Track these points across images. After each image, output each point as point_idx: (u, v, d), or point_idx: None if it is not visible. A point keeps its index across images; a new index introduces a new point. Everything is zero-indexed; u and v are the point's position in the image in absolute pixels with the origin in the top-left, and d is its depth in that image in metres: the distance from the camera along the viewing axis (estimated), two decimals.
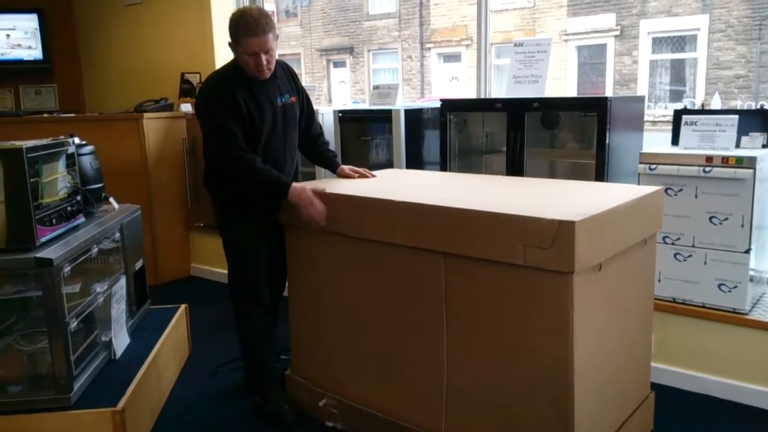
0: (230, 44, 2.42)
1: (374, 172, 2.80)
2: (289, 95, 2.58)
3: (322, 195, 2.35)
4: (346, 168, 2.74)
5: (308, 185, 2.42)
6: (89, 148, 2.83)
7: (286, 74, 2.62)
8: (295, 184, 2.39)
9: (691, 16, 13.16)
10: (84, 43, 5.65)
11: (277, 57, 2.49)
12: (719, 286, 2.64)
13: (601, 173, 2.83)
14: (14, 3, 5.39)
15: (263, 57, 2.36)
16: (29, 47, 5.41)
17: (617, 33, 14.12)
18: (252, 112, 2.43)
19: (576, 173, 3.14)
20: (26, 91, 5.57)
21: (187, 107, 4.67)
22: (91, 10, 5.51)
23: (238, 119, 2.40)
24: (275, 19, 2.52)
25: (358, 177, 2.70)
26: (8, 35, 5.33)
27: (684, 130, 2.79)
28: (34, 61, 5.45)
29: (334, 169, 2.79)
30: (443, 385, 2.12)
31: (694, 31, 13.21)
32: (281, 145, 2.57)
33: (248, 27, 2.31)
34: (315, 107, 2.85)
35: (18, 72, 5.45)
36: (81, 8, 5.59)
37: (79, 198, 2.55)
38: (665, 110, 12.45)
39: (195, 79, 4.79)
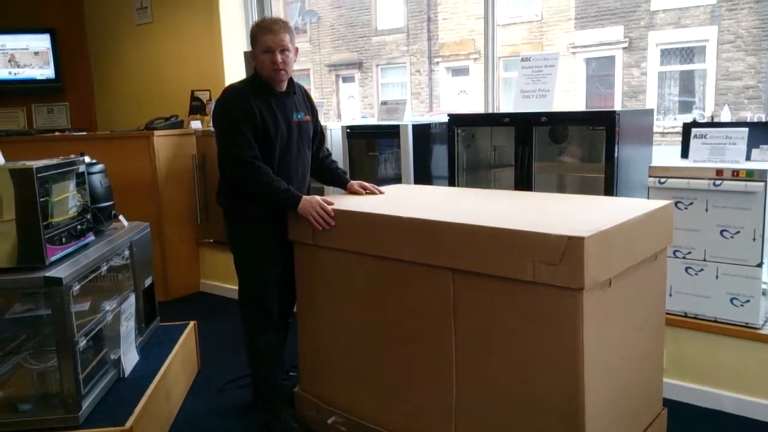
0: (250, 54, 2.51)
1: (382, 188, 2.80)
2: (304, 114, 2.63)
3: (329, 203, 2.43)
4: (355, 184, 2.75)
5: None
6: (99, 167, 2.86)
7: (302, 95, 2.68)
8: (305, 197, 2.43)
9: (700, 27, 13.12)
10: (96, 62, 5.72)
11: (292, 71, 2.55)
12: (731, 300, 2.61)
13: (610, 187, 2.81)
14: (27, 23, 5.47)
15: (278, 55, 2.43)
16: (42, 66, 5.48)
17: (625, 45, 14.09)
18: (267, 124, 2.46)
19: (585, 187, 3.12)
20: (38, 110, 5.63)
21: (197, 124, 4.71)
22: (102, 30, 5.58)
23: (254, 128, 2.44)
24: None
25: (367, 193, 2.71)
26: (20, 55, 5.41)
27: (693, 143, 2.77)
28: (47, 80, 5.51)
29: (344, 185, 2.81)
30: (452, 402, 2.10)
31: (702, 42, 13.17)
32: (295, 160, 2.59)
33: (265, 26, 2.48)
34: (324, 123, 2.87)
35: (30, 91, 5.51)
36: (93, 28, 5.66)
37: (88, 216, 2.57)
38: (674, 121, 12.39)
39: (205, 97, 4.83)
